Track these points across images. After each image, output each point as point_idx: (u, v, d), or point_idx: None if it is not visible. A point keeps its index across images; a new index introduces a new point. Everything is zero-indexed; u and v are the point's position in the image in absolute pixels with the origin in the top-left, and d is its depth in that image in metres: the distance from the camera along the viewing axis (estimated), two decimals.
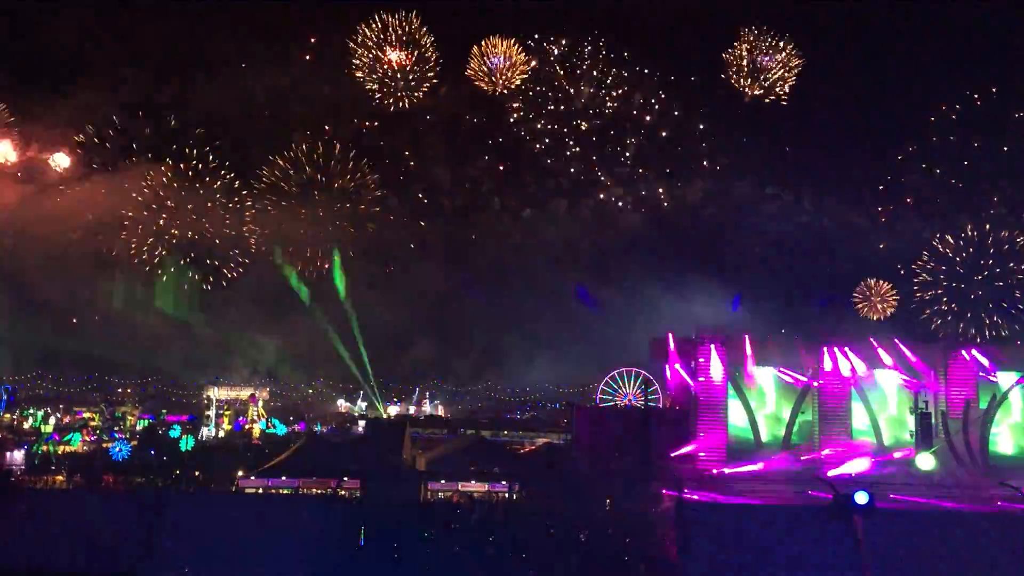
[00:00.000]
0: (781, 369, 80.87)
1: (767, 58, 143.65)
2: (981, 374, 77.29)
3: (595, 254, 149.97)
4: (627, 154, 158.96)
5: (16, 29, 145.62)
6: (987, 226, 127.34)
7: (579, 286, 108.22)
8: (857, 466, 75.20)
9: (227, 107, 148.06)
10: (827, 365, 79.13)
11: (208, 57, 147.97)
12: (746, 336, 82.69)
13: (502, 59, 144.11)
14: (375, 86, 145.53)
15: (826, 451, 77.73)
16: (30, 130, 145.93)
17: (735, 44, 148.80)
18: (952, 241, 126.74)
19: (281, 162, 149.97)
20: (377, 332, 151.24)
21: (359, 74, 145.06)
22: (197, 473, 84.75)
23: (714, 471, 76.39)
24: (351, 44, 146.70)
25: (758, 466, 76.08)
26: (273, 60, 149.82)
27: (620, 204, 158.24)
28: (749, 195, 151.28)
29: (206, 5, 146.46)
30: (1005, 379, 79.01)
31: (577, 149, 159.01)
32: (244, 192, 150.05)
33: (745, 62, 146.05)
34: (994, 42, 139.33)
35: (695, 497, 63.07)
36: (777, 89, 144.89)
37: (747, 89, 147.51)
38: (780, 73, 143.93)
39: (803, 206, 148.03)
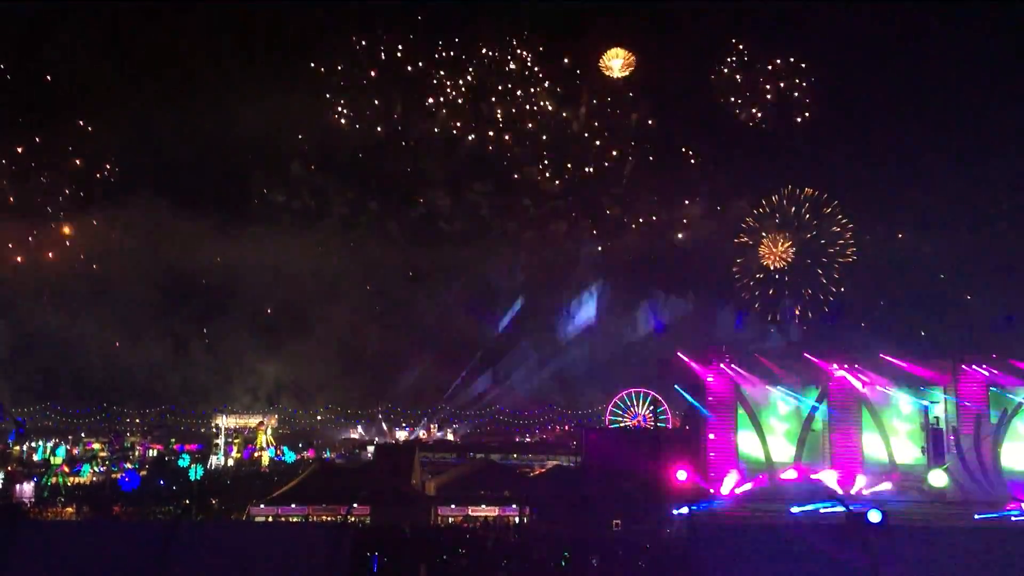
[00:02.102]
0: (789, 387, 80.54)
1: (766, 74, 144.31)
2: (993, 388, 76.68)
3: (598, 274, 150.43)
4: (625, 172, 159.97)
5: (9, 58, 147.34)
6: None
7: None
8: (869, 484, 74.82)
9: (223, 135, 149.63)
10: (837, 382, 78.81)
11: (205, 82, 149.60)
12: (755, 354, 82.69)
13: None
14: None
15: (837, 469, 77.33)
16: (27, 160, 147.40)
17: (728, 62, 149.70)
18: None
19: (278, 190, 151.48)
20: (383, 357, 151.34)
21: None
22: (214, 501, 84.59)
23: (724, 490, 76.04)
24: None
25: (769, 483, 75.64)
26: (269, 86, 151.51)
27: (621, 223, 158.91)
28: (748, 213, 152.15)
29: (201, 27, 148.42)
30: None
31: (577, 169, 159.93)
32: (246, 221, 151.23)
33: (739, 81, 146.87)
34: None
35: (706, 518, 62.68)
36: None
37: (744, 113, 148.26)
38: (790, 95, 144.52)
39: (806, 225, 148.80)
